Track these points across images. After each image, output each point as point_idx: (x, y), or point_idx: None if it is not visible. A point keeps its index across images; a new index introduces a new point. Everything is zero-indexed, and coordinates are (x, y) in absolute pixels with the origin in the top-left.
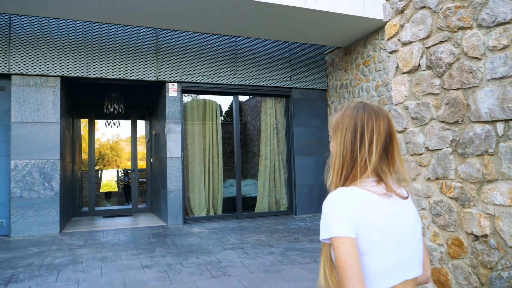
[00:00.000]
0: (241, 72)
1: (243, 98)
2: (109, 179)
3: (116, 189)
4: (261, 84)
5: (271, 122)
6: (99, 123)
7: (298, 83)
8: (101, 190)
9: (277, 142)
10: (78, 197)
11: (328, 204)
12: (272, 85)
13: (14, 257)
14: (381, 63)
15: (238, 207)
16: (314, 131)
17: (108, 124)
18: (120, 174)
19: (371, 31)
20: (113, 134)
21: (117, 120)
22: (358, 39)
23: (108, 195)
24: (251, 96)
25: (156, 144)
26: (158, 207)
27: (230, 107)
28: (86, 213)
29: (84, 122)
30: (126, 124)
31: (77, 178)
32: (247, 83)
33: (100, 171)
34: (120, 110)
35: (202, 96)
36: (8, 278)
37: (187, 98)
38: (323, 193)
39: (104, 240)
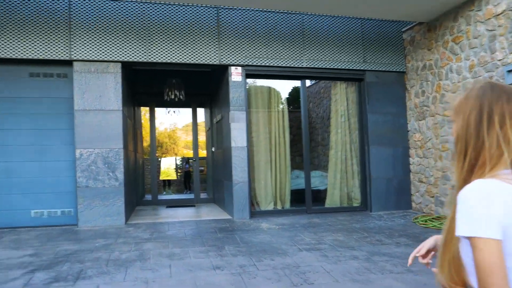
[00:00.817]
0: (309, 53)
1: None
2: (167, 167)
3: (175, 177)
4: (331, 67)
5: (342, 108)
6: (158, 112)
7: (373, 65)
8: (160, 178)
9: (349, 131)
10: (141, 186)
11: (471, 197)
12: (343, 67)
13: (82, 250)
14: (477, 38)
15: (308, 201)
16: (391, 119)
17: (168, 112)
18: (178, 162)
19: (463, 1)
20: (170, 123)
21: (177, 108)
22: (445, 12)
23: (167, 183)
24: (317, 81)
25: (218, 132)
26: (222, 199)
27: (295, 93)
28: (149, 202)
29: (144, 111)
30: (185, 112)
31: (140, 167)
32: (315, 66)
33: (159, 159)
34: (181, 97)
35: (266, 81)
36: (76, 273)
37: (250, 83)
38: (403, 188)
39: (169, 233)
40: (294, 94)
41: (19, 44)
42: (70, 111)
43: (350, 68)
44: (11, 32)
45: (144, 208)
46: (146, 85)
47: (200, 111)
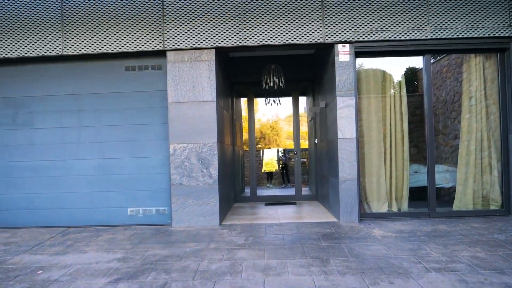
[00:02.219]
0: (435, 20)
1: (417, 62)
2: (270, 157)
3: (277, 169)
4: (463, 36)
5: (477, 88)
6: (259, 102)
7: None
8: (263, 170)
9: (486, 116)
10: (240, 180)
11: None
12: (480, 35)
13: (171, 255)
14: None
15: (431, 202)
16: None
17: (268, 102)
18: (280, 154)
19: None
20: (272, 114)
21: (277, 98)
22: None
23: (270, 175)
24: (443, 56)
25: (322, 122)
26: (326, 197)
27: (412, 73)
28: (247, 199)
29: (245, 102)
30: (286, 101)
31: (239, 160)
32: (443, 36)
33: (262, 151)
34: (280, 84)
35: (379, 60)
36: (160, 286)
37: (360, 64)
38: None
39: (266, 239)
40: (412, 74)
41: (114, 38)
42: (165, 104)
43: (490, 35)
44: (106, 27)
45: (242, 205)
46: (244, 75)
47: (302, 100)
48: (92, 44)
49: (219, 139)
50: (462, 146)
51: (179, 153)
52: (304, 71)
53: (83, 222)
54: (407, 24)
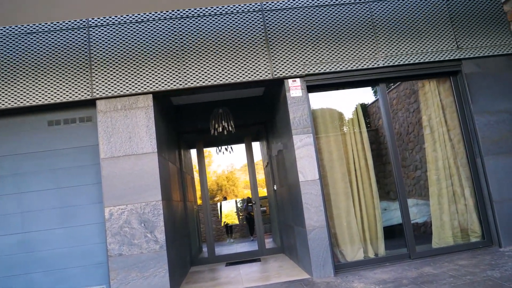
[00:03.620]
0: (385, 48)
1: (368, 97)
2: (230, 210)
3: (237, 221)
4: (415, 61)
5: (436, 115)
6: (212, 154)
7: (470, 51)
8: (222, 222)
9: (450, 143)
10: (197, 239)
11: None
12: (430, 59)
13: None
14: None
15: (409, 242)
16: (509, 117)
17: (220, 151)
18: (239, 205)
19: None
20: (227, 164)
21: (228, 146)
22: None
23: (230, 229)
24: (396, 84)
25: (279, 166)
26: (293, 248)
27: (364, 108)
28: (205, 260)
29: (194, 153)
30: (239, 149)
31: (193, 217)
32: (394, 63)
33: (219, 203)
34: (230, 128)
35: (334, 94)
36: None
37: (313, 99)
38: None
39: None
40: (366, 109)
41: (34, 89)
42: (97, 161)
43: (440, 59)
44: (23, 78)
45: (200, 269)
46: (191, 123)
47: (256, 146)
48: (3, 98)
49: (165, 196)
50: (430, 177)
51: (116, 217)
52: (255, 115)
53: None
54: (357, 54)
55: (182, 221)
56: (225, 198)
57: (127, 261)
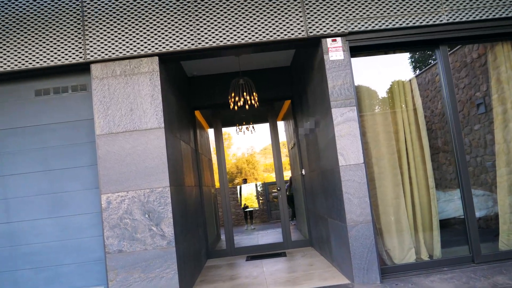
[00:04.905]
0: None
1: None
2: (249, 192)
3: (257, 206)
4: (488, 17)
5: (511, 84)
6: (231, 134)
7: None
8: (242, 205)
9: None
10: (215, 227)
11: None
12: (504, 15)
13: None
14: None
15: (473, 242)
16: None
17: (240, 130)
18: (259, 189)
19: None
20: (247, 147)
21: (249, 125)
22: None
23: (250, 215)
24: (460, 46)
25: (310, 148)
26: (325, 243)
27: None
28: (223, 253)
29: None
30: (262, 129)
31: (211, 202)
32: (461, 19)
33: (239, 187)
34: (253, 101)
35: (380, 59)
36: None
37: (357, 66)
38: None
39: None
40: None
41: (16, 52)
42: (92, 138)
43: None
44: (3, 38)
45: (217, 263)
46: (207, 97)
47: (280, 125)
48: None
49: (174, 181)
50: (499, 165)
51: (115, 206)
52: (281, 89)
53: None
54: (415, 6)
55: (196, 209)
56: (245, 181)
57: (128, 259)
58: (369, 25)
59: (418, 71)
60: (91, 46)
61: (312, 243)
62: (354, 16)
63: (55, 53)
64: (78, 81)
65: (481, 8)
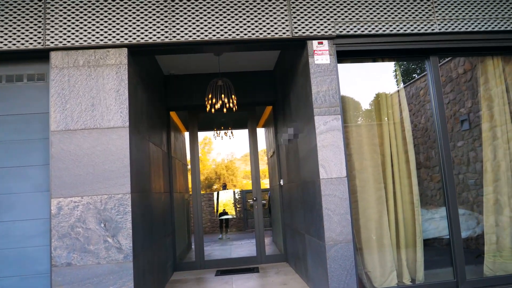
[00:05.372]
0: (443, 7)
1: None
2: (228, 199)
3: (234, 214)
4: (480, 29)
5: (500, 101)
6: (211, 140)
7: None
8: (219, 213)
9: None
10: (186, 235)
11: None
12: (497, 28)
13: None
14: None
15: (459, 266)
16: None
17: (218, 135)
18: (237, 196)
19: None
20: (227, 153)
21: (228, 130)
22: None
23: (226, 223)
24: (448, 59)
25: (290, 157)
26: (300, 260)
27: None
28: (192, 265)
29: (203, 138)
30: (240, 135)
31: (184, 210)
32: (454, 29)
33: (217, 193)
34: (231, 105)
35: (367, 67)
36: None
37: (342, 73)
38: None
39: None
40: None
41: None
42: (47, 134)
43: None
44: None
45: (184, 277)
46: (184, 97)
47: (260, 132)
48: None
49: (138, 187)
50: (486, 182)
51: (67, 213)
52: (263, 93)
53: None
54: (407, 12)
55: (165, 217)
56: (224, 186)
57: (77, 274)
58: (358, 29)
59: (402, 84)
60: (52, 32)
61: (287, 259)
62: (342, 19)
63: (10, 36)
64: (35, 69)
65: (473, 20)
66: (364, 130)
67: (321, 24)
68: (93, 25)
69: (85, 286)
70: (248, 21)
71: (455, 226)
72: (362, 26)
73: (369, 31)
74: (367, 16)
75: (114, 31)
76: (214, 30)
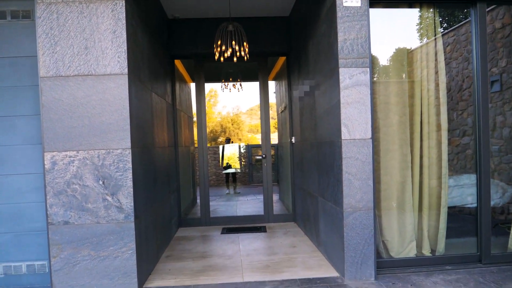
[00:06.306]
0: None
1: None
2: (232, 152)
3: (238, 167)
4: None
5: None
6: (217, 92)
7: None
8: (224, 164)
9: None
10: (191, 189)
11: None
12: None
13: None
14: None
15: (484, 240)
16: None
17: (226, 87)
18: (242, 150)
19: None
20: (233, 106)
21: (237, 82)
22: None
23: (233, 177)
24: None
25: (304, 113)
26: (311, 223)
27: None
28: (197, 221)
29: (209, 89)
30: (248, 87)
31: (189, 163)
32: None
33: (222, 146)
34: (242, 53)
35: (401, 13)
36: None
37: (375, 18)
38: None
39: None
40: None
41: None
42: (36, 81)
43: None
44: None
45: (189, 234)
46: (190, 44)
47: (271, 85)
48: None
49: (139, 142)
50: None
51: (62, 168)
52: (276, 42)
53: None
54: None
55: (169, 173)
56: (228, 140)
57: (75, 233)
58: None
59: (440, 36)
60: None
61: (296, 219)
62: None
63: None
64: (20, 5)
65: None
66: (392, 87)
67: None
68: None
69: (84, 246)
70: None
71: (485, 196)
72: None
73: None
74: None
75: None
76: None
